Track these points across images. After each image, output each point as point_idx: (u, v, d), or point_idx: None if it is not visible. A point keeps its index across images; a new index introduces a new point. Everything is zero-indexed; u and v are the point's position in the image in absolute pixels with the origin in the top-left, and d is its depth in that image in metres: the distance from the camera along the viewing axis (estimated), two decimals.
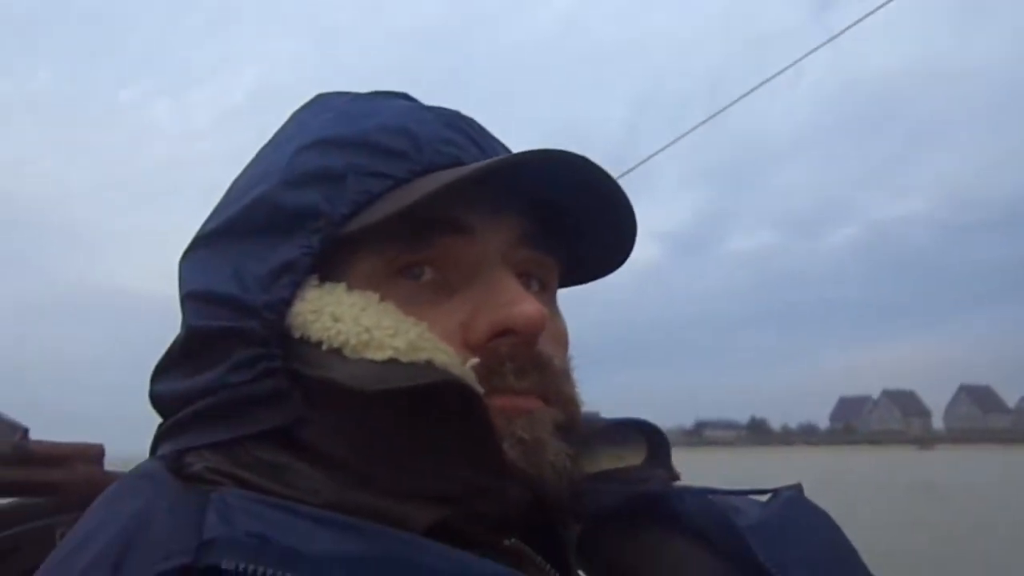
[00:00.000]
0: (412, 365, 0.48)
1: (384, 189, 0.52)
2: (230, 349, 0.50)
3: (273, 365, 0.49)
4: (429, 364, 0.48)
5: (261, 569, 0.38)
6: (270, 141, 0.62)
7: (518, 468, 0.50)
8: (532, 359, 0.53)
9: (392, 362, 0.48)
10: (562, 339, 0.60)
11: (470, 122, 0.60)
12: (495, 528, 0.49)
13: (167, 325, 0.59)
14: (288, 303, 0.50)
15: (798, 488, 0.62)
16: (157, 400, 0.56)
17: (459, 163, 0.54)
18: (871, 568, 0.57)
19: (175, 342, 0.55)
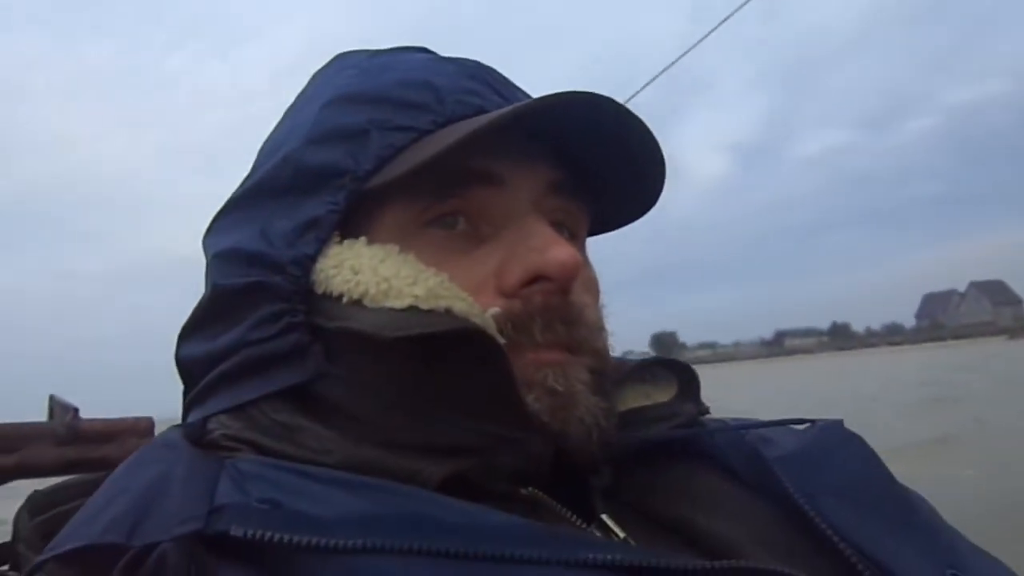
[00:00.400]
0: (431, 312, 0.47)
1: (407, 142, 0.51)
2: (255, 305, 0.51)
3: (296, 320, 0.50)
4: (448, 312, 0.48)
5: (269, 534, 0.39)
6: (293, 103, 0.62)
7: (541, 421, 0.49)
8: (564, 312, 0.52)
9: (411, 310, 0.48)
10: (593, 287, 0.59)
11: (491, 72, 0.59)
12: (515, 479, 0.49)
13: None
14: (313, 259, 0.51)
15: (838, 422, 0.60)
16: (182, 365, 0.57)
17: (482, 112, 0.53)
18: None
19: (200, 303, 0.55)
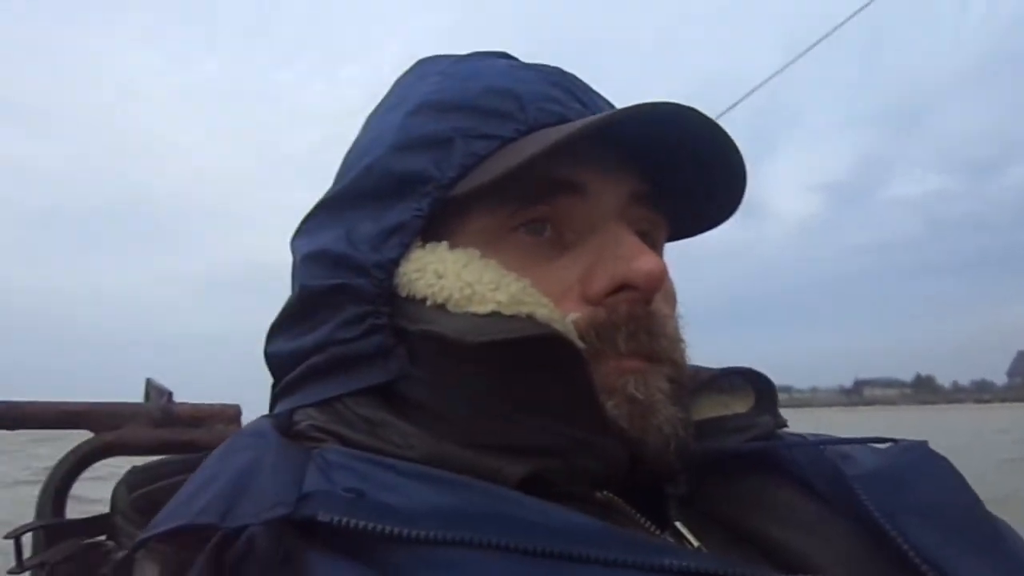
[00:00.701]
0: (513, 318, 0.48)
1: (491, 150, 0.52)
2: (340, 306, 0.52)
3: (379, 322, 0.50)
4: (530, 318, 0.48)
5: (354, 522, 0.39)
6: (377, 109, 0.63)
7: (619, 427, 0.49)
8: (647, 322, 0.52)
9: (494, 315, 0.48)
10: (672, 298, 0.59)
11: (572, 79, 0.59)
12: (591, 483, 0.48)
13: None
14: (396, 263, 0.51)
15: (923, 443, 0.58)
16: (271, 360, 0.58)
17: (564, 121, 0.53)
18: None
19: (288, 303, 0.57)
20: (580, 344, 0.49)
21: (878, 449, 0.58)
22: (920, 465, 0.56)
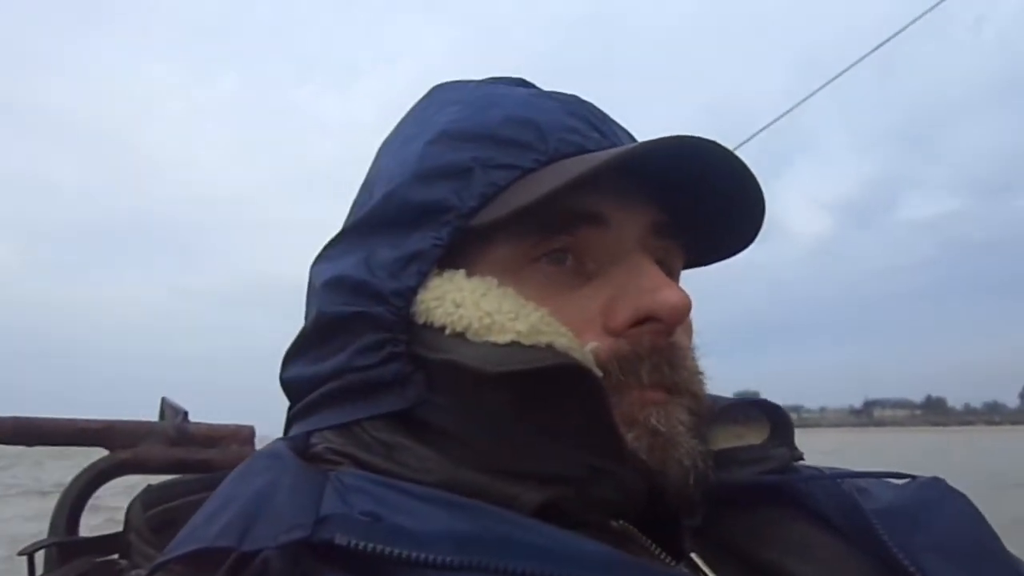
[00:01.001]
0: (533, 348, 0.48)
1: (511, 180, 0.52)
2: (358, 333, 0.51)
3: (398, 350, 0.50)
4: (550, 347, 0.48)
5: (371, 545, 0.40)
6: (395, 134, 0.63)
7: (639, 459, 0.49)
8: (670, 354, 0.52)
9: (514, 345, 0.48)
10: (689, 329, 0.59)
11: (591, 108, 0.59)
12: (607, 512, 0.48)
13: None
14: (414, 290, 0.51)
15: (940, 479, 0.57)
16: (287, 385, 0.58)
17: (583, 151, 0.53)
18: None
19: (304, 329, 0.56)
20: (599, 373, 0.49)
21: (895, 484, 0.57)
22: (939, 502, 0.55)
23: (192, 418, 0.78)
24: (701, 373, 0.56)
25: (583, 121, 0.56)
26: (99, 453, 0.75)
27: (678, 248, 0.58)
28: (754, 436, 0.60)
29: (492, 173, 0.52)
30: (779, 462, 0.57)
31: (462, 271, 0.52)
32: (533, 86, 0.63)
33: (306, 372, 0.55)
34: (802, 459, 0.60)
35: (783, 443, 0.59)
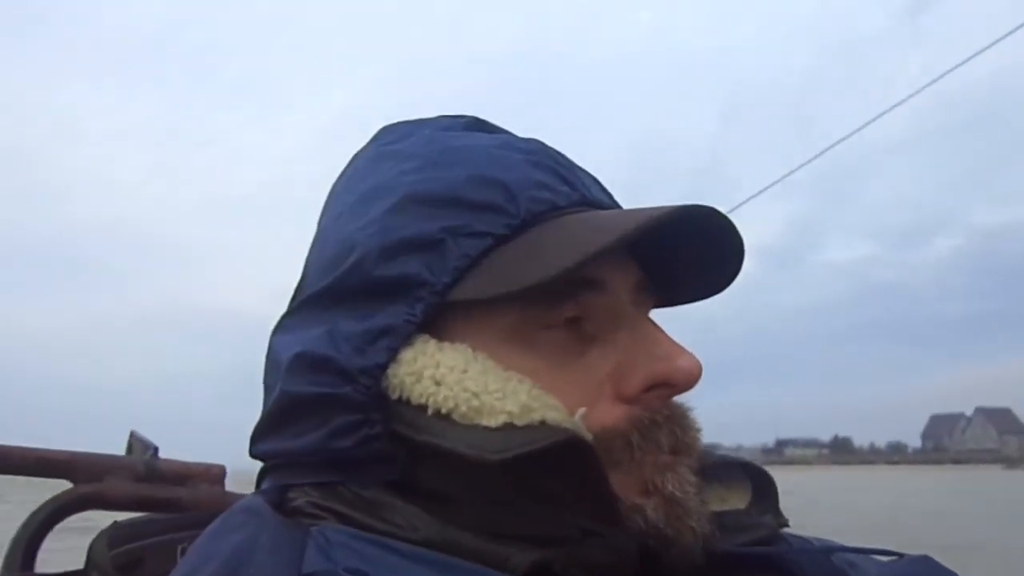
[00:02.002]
0: (528, 428, 0.46)
1: (484, 249, 0.50)
2: (328, 415, 0.49)
3: (374, 431, 0.48)
4: (543, 423, 0.46)
5: None
6: (346, 187, 0.59)
7: (656, 528, 0.48)
8: (682, 418, 0.52)
9: (507, 427, 0.46)
10: None
11: (556, 156, 0.57)
12: (598, 574, 0.47)
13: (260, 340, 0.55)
14: (384, 367, 0.48)
15: (928, 557, 0.58)
16: (260, 458, 0.55)
17: (554, 207, 0.52)
18: None
19: (270, 408, 0.52)
20: (589, 437, 0.47)
21: (882, 561, 0.57)
22: None
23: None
24: (701, 430, 0.55)
25: (551, 174, 0.54)
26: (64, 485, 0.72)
27: (654, 301, 0.58)
28: (736, 499, 0.59)
29: (464, 243, 0.50)
30: (767, 530, 0.56)
31: (433, 341, 0.50)
32: (488, 125, 0.61)
33: (279, 447, 0.52)
34: (787, 525, 0.59)
35: (768, 509, 0.58)
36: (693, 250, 0.55)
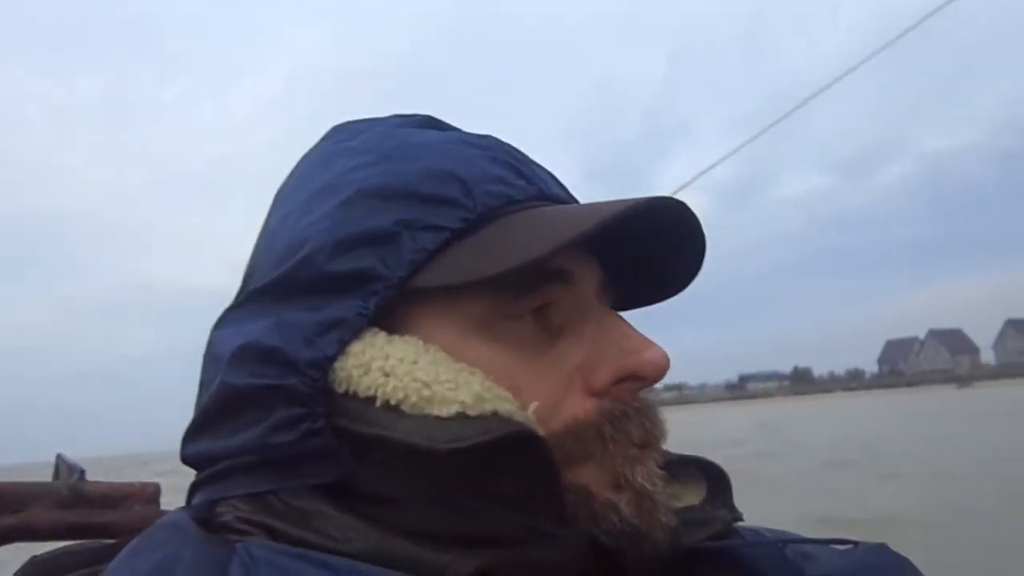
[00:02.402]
0: (481, 419, 0.45)
1: (440, 243, 0.49)
2: (269, 408, 0.47)
3: (316, 425, 0.46)
4: (496, 415, 0.45)
5: None
6: (297, 184, 0.57)
7: (630, 524, 0.48)
8: (651, 410, 0.52)
9: (460, 417, 0.45)
10: None
11: (511, 151, 0.57)
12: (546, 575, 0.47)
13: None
14: (332, 360, 0.47)
15: (884, 545, 0.58)
16: (190, 462, 0.53)
17: (510, 200, 0.52)
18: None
19: (207, 402, 0.51)
20: (541, 432, 0.46)
21: (839, 550, 0.57)
22: (882, 570, 0.56)
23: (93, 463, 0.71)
24: (665, 421, 0.55)
25: (506, 167, 0.54)
26: None
27: (613, 301, 0.57)
28: (691, 495, 0.59)
29: (420, 237, 0.49)
30: (722, 525, 0.56)
31: (383, 334, 0.49)
32: (442, 124, 0.61)
33: (212, 448, 0.50)
34: (742, 520, 0.59)
35: (723, 504, 0.58)
36: (654, 247, 0.55)
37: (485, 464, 0.45)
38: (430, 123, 0.60)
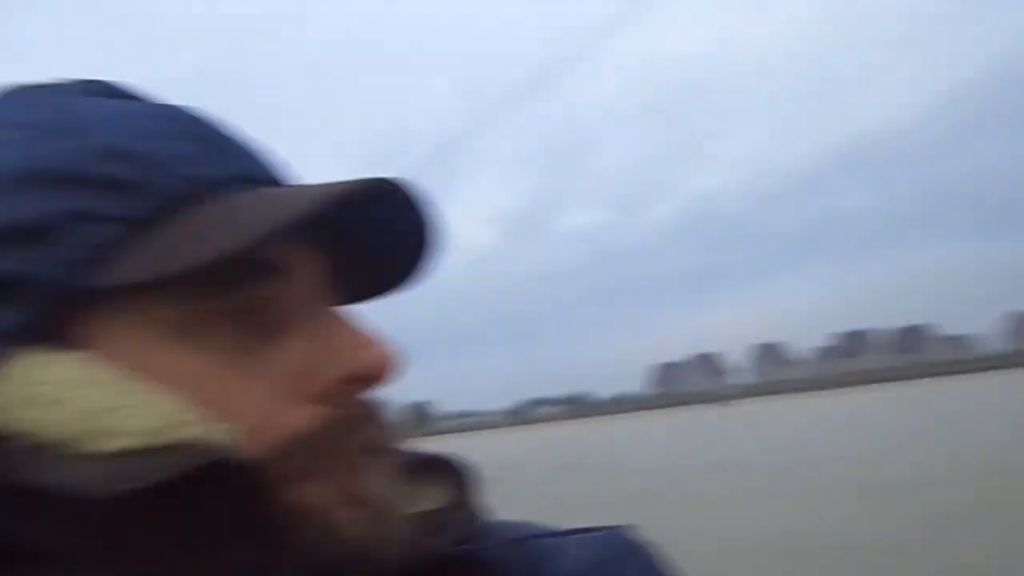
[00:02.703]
0: (166, 449, 0.37)
1: (115, 237, 0.40)
2: None
3: None
4: (178, 445, 0.38)
5: None
6: None
7: (359, 541, 0.42)
8: (376, 415, 0.46)
9: (128, 453, 0.37)
10: None
11: (202, 124, 0.46)
12: None
13: None
14: None
15: (627, 527, 0.55)
16: None
17: (204, 185, 0.43)
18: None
19: None
20: (242, 455, 0.39)
21: (586, 539, 0.53)
22: (623, 557, 0.52)
23: None
24: (394, 427, 0.50)
25: (196, 143, 0.44)
26: None
27: (341, 294, 0.49)
28: (437, 496, 0.52)
29: (91, 231, 0.40)
30: (468, 526, 0.50)
31: (41, 353, 0.39)
32: (127, 91, 0.49)
33: None
34: (492, 518, 0.54)
35: (466, 504, 0.52)
36: (381, 234, 0.49)
37: (175, 501, 0.38)
38: (108, 91, 0.48)
